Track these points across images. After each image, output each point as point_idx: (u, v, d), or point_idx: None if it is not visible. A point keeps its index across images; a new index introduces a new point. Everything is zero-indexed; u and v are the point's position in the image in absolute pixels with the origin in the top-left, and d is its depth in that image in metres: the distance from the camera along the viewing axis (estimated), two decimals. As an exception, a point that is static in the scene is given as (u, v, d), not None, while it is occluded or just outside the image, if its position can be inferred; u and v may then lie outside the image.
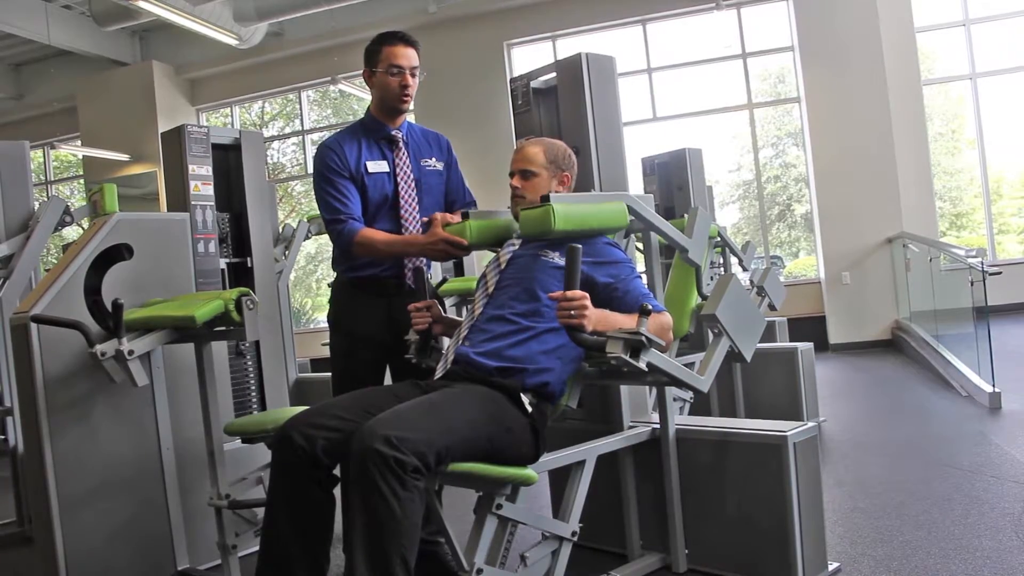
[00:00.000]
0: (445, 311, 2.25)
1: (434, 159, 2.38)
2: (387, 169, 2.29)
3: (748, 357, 2.12)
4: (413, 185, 2.30)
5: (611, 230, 2.10)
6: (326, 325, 2.43)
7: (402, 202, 2.27)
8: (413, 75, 2.27)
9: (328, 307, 2.42)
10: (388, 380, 2.41)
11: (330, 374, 2.42)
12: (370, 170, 2.26)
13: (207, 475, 2.25)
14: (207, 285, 2.69)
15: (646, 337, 1.65)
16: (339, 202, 2.22)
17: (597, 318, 1.71)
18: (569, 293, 1.66)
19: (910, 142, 7.25)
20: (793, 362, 3.76)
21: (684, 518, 2.20)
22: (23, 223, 3.26)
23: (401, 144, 2.32)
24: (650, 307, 1.68)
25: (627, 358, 1.66)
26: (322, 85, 9.26)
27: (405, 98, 2.26)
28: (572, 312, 1.66)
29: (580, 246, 1.68)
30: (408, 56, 2.25)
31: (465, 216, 2.14)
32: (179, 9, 6.91)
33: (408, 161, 2.32)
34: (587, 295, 1.68)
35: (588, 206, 1.99)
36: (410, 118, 2.43)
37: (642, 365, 1.69)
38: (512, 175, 2.12)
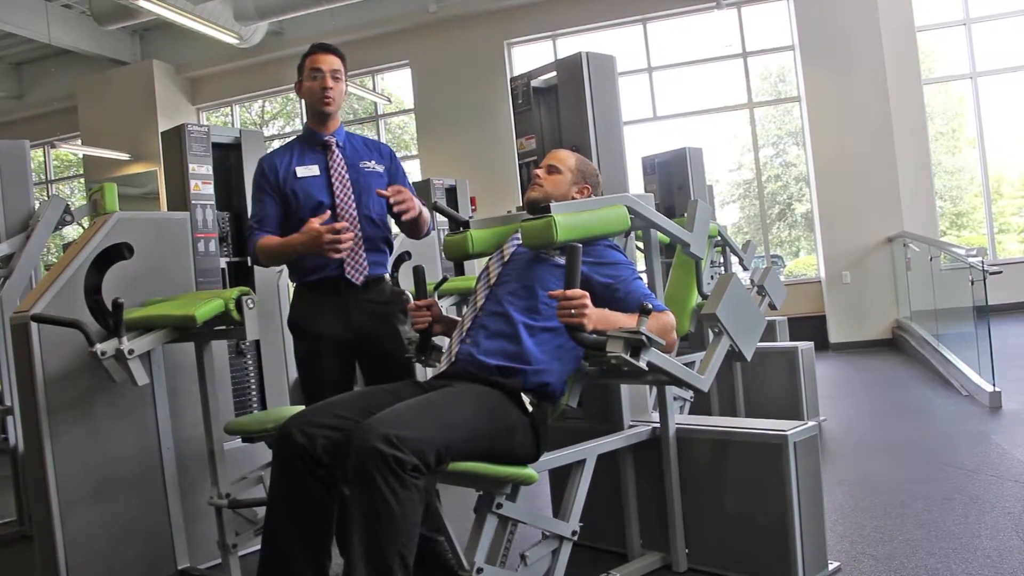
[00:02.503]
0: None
1: (373, 162, 2.40)
2: (318, 173, 2.31)
3: (748, 356, 2.12)
4: (349, 186, 2.32)
5: (613, 235, 2.10)
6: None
7: (338, 202, 2.30)
8: (335, 79, 2.32)
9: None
10: (360, 382, 2.40)
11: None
12: (299, 175, 2.30)
13: (207, 474, 2.26)
14: (207, 284, 2.69)
15: (646, 336, 1.65)
16: (254, 215, 2.33)
17: (597, 317, 1.71)
18: (569, 292, 1.67)
19: (910, 141, 7.25)
20: (793, 361, 3.77)
21: (684, 517, 2.20)
22: (23, 222, 3.27)
23: (335, 148, 2.35)
24: (650, 306, 1.68)
25: (627, 357, 1.66)
26: (322, 84, 9.25)
27: (327, 100, 2.31)
28: (572, 311, 1.67)
29: (580, 245, 1.69)
30: (328, 61, 2.31)
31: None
32: (179, 8, 6.91)
33: (343, 164, 2.34)
34: (587, 294, 1.69)
35: (589, 214, 1.98)
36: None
37: (642, 364, 1.69)
38: (539, 167, 2.16)
